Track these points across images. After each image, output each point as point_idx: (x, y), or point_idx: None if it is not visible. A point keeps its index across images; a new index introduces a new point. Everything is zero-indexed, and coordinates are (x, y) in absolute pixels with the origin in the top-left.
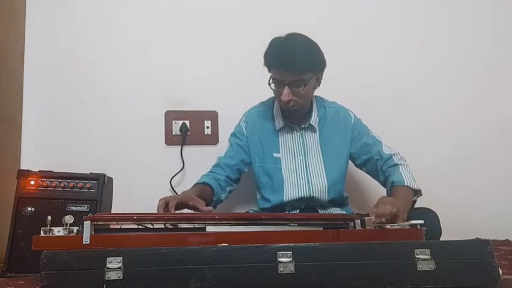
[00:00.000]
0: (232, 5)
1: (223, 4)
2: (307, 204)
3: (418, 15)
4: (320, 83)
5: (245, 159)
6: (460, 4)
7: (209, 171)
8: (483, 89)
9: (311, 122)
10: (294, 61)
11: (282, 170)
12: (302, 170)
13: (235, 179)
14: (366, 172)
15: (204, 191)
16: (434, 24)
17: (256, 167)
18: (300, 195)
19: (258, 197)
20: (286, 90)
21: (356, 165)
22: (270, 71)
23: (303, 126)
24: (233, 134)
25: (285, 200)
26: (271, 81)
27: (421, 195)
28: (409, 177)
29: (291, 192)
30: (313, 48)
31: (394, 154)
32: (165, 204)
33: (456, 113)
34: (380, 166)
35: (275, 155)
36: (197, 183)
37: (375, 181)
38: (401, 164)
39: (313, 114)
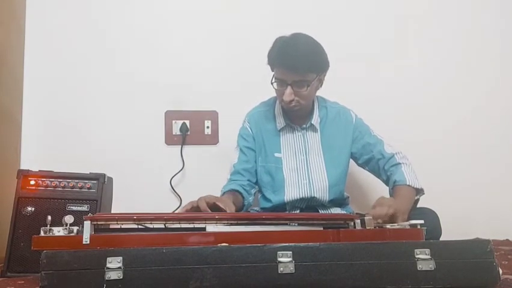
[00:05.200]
0: (233, 5)
1: (224, 4)
2: (308, 204)
3: (418, 14)
4: (322, 84)
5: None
6: (460, 5)
7: (230, 180)
8: (484, 89)
9: (312, 122)
10: (297, 61)
11: (283, 169)
12: (303, 169)
13: (255, 181)
14: (369, 171)
15: (237, 197)
16: (434, 24)
17: (259, 167)
18: (301, 195)
19: (259, 196)
20: (288, 90)
21: (358, 165)
22: (273, 70)
23: (305, 126)
24: (240, 136)
25: (285, 200)
26: (273, 80)
27: (424, 193)
28: (411, 176)
29: (292, 192)
30: (317, 48)
31: (396, 153)
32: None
33: (456, 112)
34: (382, 165)
35: (276, 154)
36: (225, 191)
37: (376, 181)
38: (403, 163)
39: (314, 114)
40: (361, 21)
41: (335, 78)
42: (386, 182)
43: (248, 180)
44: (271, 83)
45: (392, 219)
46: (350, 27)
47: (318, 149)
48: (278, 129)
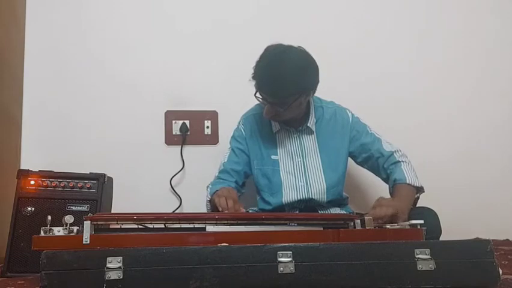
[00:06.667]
0: (233, 5)
1: (224, 4)
2: (307, 204)
3: (417, 12)
4: (314, 92)
5: (248, 162)
6: (457, 3)
7: (218, 178)
8: (485, 89)
9: (308, 125)
10: (277, 89)
11: (280, 172)
12: (300, 171)
13: (242, 184)
14: (368, 169)
15: None
16: (432, 22)
17: (255, 170)
18: (298, 198)
19: (258, 198)
20: (267, 109)
21: (357, 163)
22: None
23: (300, 128)
24: (233, 138)
25: (283, 202)
26: (257, 94)
27: (423, 192)
28: (411, 174)
29: (289, 194)
30: (302, 70)
31: (395, 151)
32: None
33: (455, 112)
34: (381, 164)
35: (273, 157)
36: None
37: (375, 181)
38: (402, 161)
39: (310, 116)
40: (361, 22)
41: (330, 76)
42: (386, 181)
43: (235, 181)
44: (255, 96)
45: (392, 219)
46: (350, 27)
47: (315, 151)
48: (274, 132)
